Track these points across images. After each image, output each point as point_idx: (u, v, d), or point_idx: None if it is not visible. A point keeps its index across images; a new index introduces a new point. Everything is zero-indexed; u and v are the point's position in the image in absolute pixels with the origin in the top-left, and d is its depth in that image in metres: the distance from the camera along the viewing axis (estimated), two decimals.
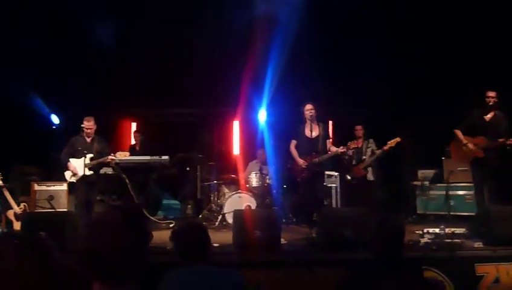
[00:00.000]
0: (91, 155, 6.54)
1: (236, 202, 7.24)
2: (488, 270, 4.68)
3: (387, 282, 2.05)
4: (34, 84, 7.97)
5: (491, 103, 5.91)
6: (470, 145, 5.98)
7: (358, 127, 7.81)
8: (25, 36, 7.32)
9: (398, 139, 7.13)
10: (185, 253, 2.59)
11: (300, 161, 6.26)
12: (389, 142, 7.16)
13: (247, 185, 7.88)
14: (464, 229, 5.52)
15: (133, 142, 8.92)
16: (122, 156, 6.60)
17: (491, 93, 5.90)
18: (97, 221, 1.51)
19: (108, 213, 1.48)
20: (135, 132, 8.49)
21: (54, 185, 7.14)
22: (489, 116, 6.02)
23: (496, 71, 6.75)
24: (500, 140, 5.74)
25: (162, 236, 6.17)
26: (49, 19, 7.38)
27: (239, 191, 7.59)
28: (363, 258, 2.94)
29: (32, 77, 7.73)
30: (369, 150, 7.61)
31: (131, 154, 6.93)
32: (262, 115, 9.31)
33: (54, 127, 9.03)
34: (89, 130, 6.55)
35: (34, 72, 7.70)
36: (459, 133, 6.14)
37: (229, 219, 6.78)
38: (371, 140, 7.70)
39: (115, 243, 1.38)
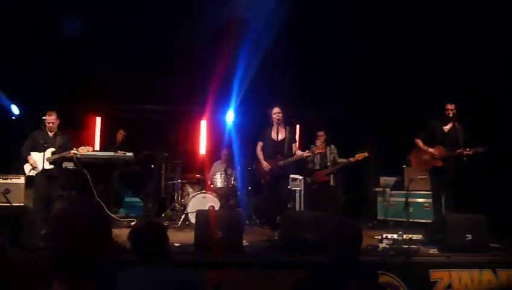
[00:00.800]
0: (53, 149, 6.38)
1: (200, 202, 7.20)
2: (441, 276, 4.86)
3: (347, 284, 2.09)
4: None
5: (450, 115, 6.15)
6: (431, 150, 6.17)
7: (320, 133, 7.90)
8: None
9: (365, 154, 7.28)
10: (142, 252, 2.56)
11: (264, 164, 6.28)
12: (356, 156, 7.30)
13: (212, 186, 7.86)
14: (420, 236, 5.70)
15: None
16: (85, 150, 6.46)
17: (450, 106, 6.14)
18: (61, 216, 1.44)
19: (72, 208, 1.42)
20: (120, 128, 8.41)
21: (10, 178, 6.92)
22: (448, 127, 6.24)
23: (455, 83, 6.99)
24: (458, 150, 5.95)
25: (122, 234, 6.08)
26: (14, 7, 7.11)
27: (203, 191, 7.56)
28: (322, 261, 2.98)
29: None
30: (331, 156, 7.72)
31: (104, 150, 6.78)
32: (230, 116, 9.30)
33: (14, 117, 8.70)
34: (50, 124, 6.40)
35: None
36: (419, 141, 6.34)
37: (192, 219, 6.73)
38: (333, 146, 7.82)
39: (80, 240, 1.33)
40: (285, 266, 4.49)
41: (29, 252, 4.19)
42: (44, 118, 6.28)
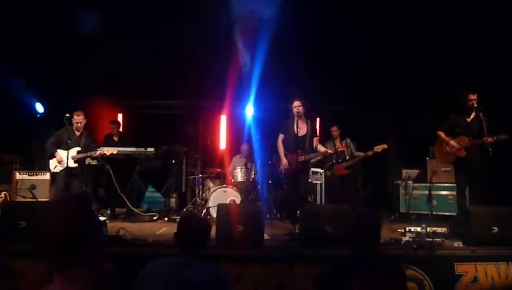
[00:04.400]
0: (78, 148, 6.48)
1: (221, 196, 7.23)
2: (467, 270, 4.75)
3: (363, 276, 2.06)
4: (19, 71, 7.83)
5: (474, 105, 6.01)
6: (452, 142, 6.07)
7: (334, 128, 7.81)
8: (14, 24, 7.20)
9: (384, 146, 7.19)
10: (186, 243, 2.58)
11: (284, 161, 6.23)
12: (375, 148, 7.21)
13: (232, 180, 7.87)
14: (444, 229, 5.58)
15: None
16: (110, 152, 6.53)
17: (473, 96, 6.01)
18: (49, 206, 1.53)
19: (60, 199, 1.51)
20: (111, 122, 8.33)
21: (36, 175, 7.07)
22: (470, 117, 6.11)
23: (477, 73, 6.84)
24: (482, 139, 5.82)
25: (143, 228, 6.18)
26: (37, 5, 7.25)
27: (224, 185, 7.58)
28: (342, 254, 2.94)
29: (19, 64, 7.60)
30: (348, 149, 7.64)
31: (108, 145, 6.83)
32: (249, 110, 9.29)
33: (38, 115, 8.88)
34: (78, 124, 6.55)
35: (20, 60, 7.57)
36: (441, 134, 6.22)
37: (213, 213, 6.74)
38: (348, 140, 7.74)
39: (64, 226, 1.40)
40: (305, 260, 4.47)
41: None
42: (67, 115, 6.37)
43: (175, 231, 2.63)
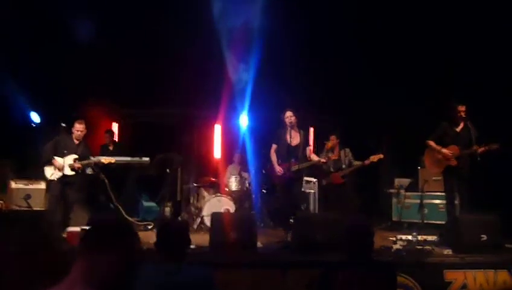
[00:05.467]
0: (75, 156, 6.45)
1: (215, 205, 7.27)
2: (456, 277, 4.85)
3: (349, 274, 2.15)
4: (15, 81, 7.88)
5: (462, 116, 6.16)
6: (444, 150, 6.18)
7: (332, 137, 7.88)
8: (9, 32, 7.27)
9: (381, 155, 7.25)
10: (167, 248, 2.65)
11: (277, 168, 6.31)
12: (371, 157, 7.28)
13: (226, 189, 7.94)
14: (435, 237, 5.69)
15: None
16: (108, 161, 6.57)
17: (462, 108, 6.16)
18: None
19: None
20: (105, 132, 8.39)
21: (31, 184, 7.09)
22: (459, 127, 6.25)
23: (468, 84, 7.00)
24: (473, 148, 5.94)
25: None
26: (32, 13, 7.33)
27: (218, 194, 7.65)
28: (336, 261, 3.04)
29: (14, 73, 7.65)
30: (346, 159, 7.72)
31: (103, 154, 6.87)
32: (243, 120, 9.38)
33: (34, 125, 8.90)
34: (79, 132, 6.48)
35: (16, 69, 7.63)
36: (431, 143, 6.35)
37: (208, 222, 6.81)
38: (347, 149, 7.80)
39: None
40: (296, 266, 4.55)
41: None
42: (63, 124, 6.39)
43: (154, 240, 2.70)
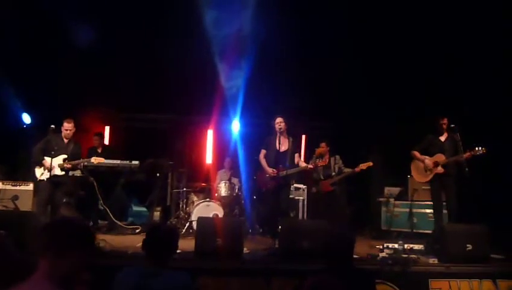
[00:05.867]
0: (64, 156, 6.45)
1: (204, 210, 7.26)
2: (440, 286, 4.85)
3: (318, 278, 2.14)
4: (7, 82, 7.87)
5: (445, 127, 6.35)
6: (427, 160, 6.31)
7: (322, 144, 7.87)
8: (2, 34, 7.26)
9: (370, 163, 7.31)
10: (154, 253, 2.64)
11: (270, 170, 6.30)
12: (361, 165, 7.33)
13: (216, 194, 7.92)
14: (422, 246, 5.68)
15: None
16: (97, 161, 6.57)
17: (444, 120, 6.37)
18: None
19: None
20: (95, 134, 8.37)
21: (19, 185, 7.05)
22: (444, 137, 6.42)
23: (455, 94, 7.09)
24: (459, 155, 6.02)
25: (124, 241, 6.19)
26: (27, 16, 7.32)
27: (207, 199, 7.62)
28: (318, 268, 3.04)
29: (6, 74, 7.64)
30: (336, 166, 7.73)
31: (91, 157, 6.85)
32: (235, 126, 9.39)
33: (25, 126, 8.88)
34: (68, 131, 6.49)
35: (8, 70, 7.61)
36: (416, 153, 6.52)
37: (196, 227, 6.78)
38: (337, 156, 7.82)
39: None
40: (281, 274, 4.53)
41: (32, 256, 4.29)
42: (52, 126, 6.38)
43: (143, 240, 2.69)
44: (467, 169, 5.86)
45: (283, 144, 6.31)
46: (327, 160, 6.98)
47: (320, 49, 7.71)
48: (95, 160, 6.54)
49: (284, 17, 6.99)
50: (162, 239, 2.65)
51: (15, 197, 6.90)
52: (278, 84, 8.14)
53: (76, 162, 6.50)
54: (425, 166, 6.32)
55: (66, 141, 6.54)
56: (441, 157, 6.22)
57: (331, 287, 2.08)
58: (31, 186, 7.04)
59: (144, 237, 2.69)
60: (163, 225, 2.86)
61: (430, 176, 6.27)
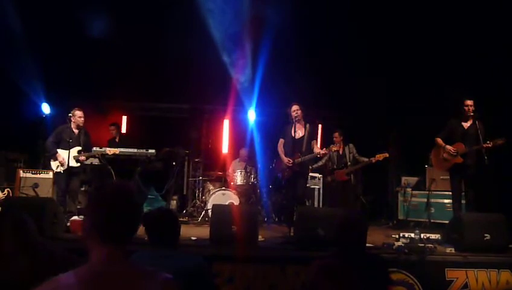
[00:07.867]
0: (79, 148, 6.58)
1: (220, 198, 7.32)
2: (457, 276, 4.79)
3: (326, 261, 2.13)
4: (27, 73, 8.01)
5: (470, 111, 6.06)
6: (449, 147, 6.10)
7: (336, 134, 7.85)
8: (21, 25, 7.38)
9: (386, 154, 7.22)
10: (154, 236, 2.67)
11: (286, 159, 6.29)
12: (377, 156, 7.25)
13: (232, 183, 7.96)
14: (438, 235, 5.62)
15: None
16: (112, 152, 6.66)
17: (469, 102, 6.06)
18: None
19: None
20: (110, 124, 8.47)
21: (39, 173, 7.19)
22: (468, 124, 6.14)
23: (476, 80, 6.89)
24: (478, 145, 5.86)
25: (140, 229, 6.25)
26: (43, 6, 7.41)
27: (223, 188, 7.67)
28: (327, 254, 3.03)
29: (27, 65, 7.77)
30: (350, 155, 7.68)
31: (111, 147, 6.94)
32: (251, 115, 9.39)
33: (44, 116, 9.03)
34: (82, 119, 6.61)
35: (28, 61, 7.74)
36: (439, 140, 6.26)
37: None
38: (351, 145, 7.78)
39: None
40: (296, 261, 4.53)
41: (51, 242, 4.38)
42: (70, 114, 6.49)
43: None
44: (486, 158, 5.73)
45: (298, 131, 6.29)
46: (340, 146, 6.95)
47: (337, 38, 7.62)
48: (109, 151, 6.63)
49: (300, 5, 6.92)
50: (159, 224, 2.65)
51: (35, 185, 7.06)
52: (293, 73, 8.10)
53: (91, 154, 6.63)
54: (445, 154, 6.15)
55: (76, 131, 6.63)
56: (461, 146, 6.05)
57: (337, 270, 2.07)
58: (50, 175, 7.17)
59: (146, 225, 2.70)
60: (156, 210, 2.84)
61: (449, 165, 6.14)
